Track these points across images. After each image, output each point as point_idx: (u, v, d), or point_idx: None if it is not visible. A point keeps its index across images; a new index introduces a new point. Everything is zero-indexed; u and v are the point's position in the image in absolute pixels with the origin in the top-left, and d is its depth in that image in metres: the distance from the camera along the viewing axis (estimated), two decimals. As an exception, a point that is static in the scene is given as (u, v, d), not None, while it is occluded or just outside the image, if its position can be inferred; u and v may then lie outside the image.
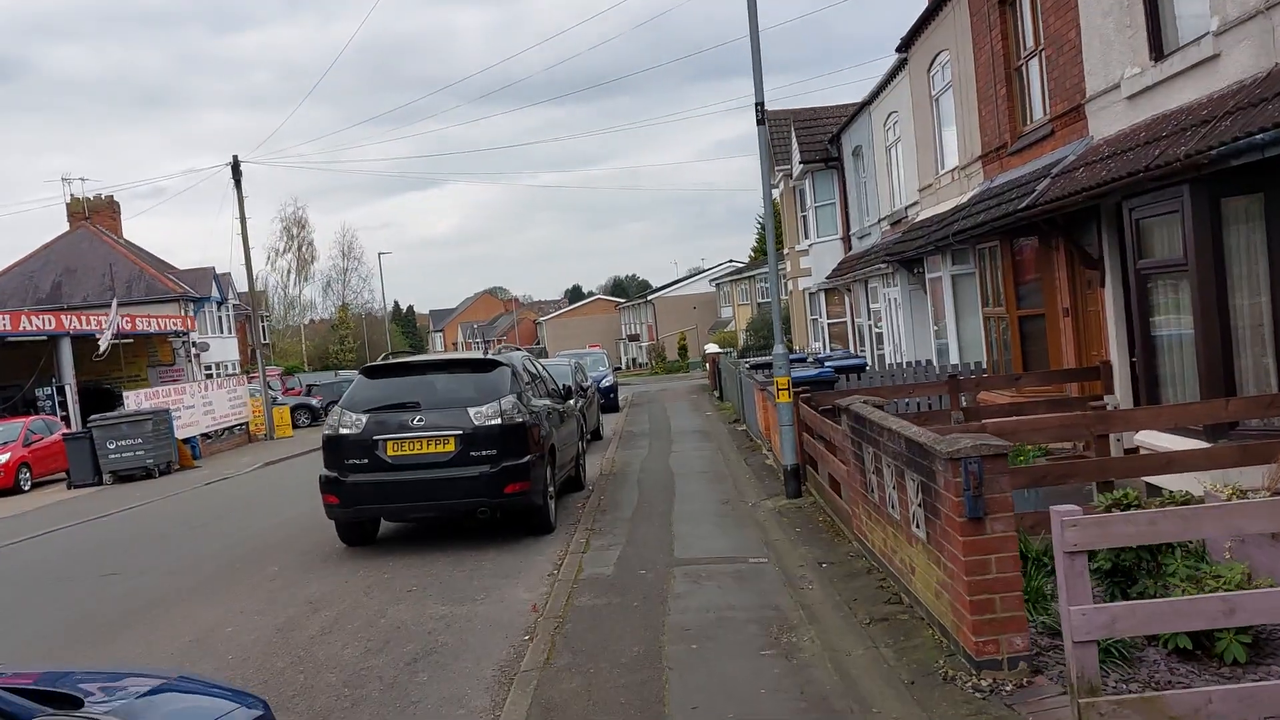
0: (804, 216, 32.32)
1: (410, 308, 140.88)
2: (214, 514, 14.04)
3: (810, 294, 32.59)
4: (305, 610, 7.65)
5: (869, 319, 23.72)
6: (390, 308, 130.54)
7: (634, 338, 79.93)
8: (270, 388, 41.61)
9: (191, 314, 43.24)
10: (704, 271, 73.74)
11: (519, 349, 11.98)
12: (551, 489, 10.20)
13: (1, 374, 32.39)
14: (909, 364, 16.95)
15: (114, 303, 22.86)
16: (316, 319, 70.06)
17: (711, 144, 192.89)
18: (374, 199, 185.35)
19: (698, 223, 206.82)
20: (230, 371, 49.31)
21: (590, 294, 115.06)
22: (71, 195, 46.94)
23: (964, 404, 12.08)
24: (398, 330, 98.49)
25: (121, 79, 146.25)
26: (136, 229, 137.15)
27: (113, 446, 21.65)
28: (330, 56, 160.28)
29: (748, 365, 21.57)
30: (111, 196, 48.02)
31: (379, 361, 10.55)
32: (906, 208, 19.70)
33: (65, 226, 46.55)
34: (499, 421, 9.31)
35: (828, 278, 27.30)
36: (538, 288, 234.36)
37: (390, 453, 9.29)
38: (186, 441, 26.09)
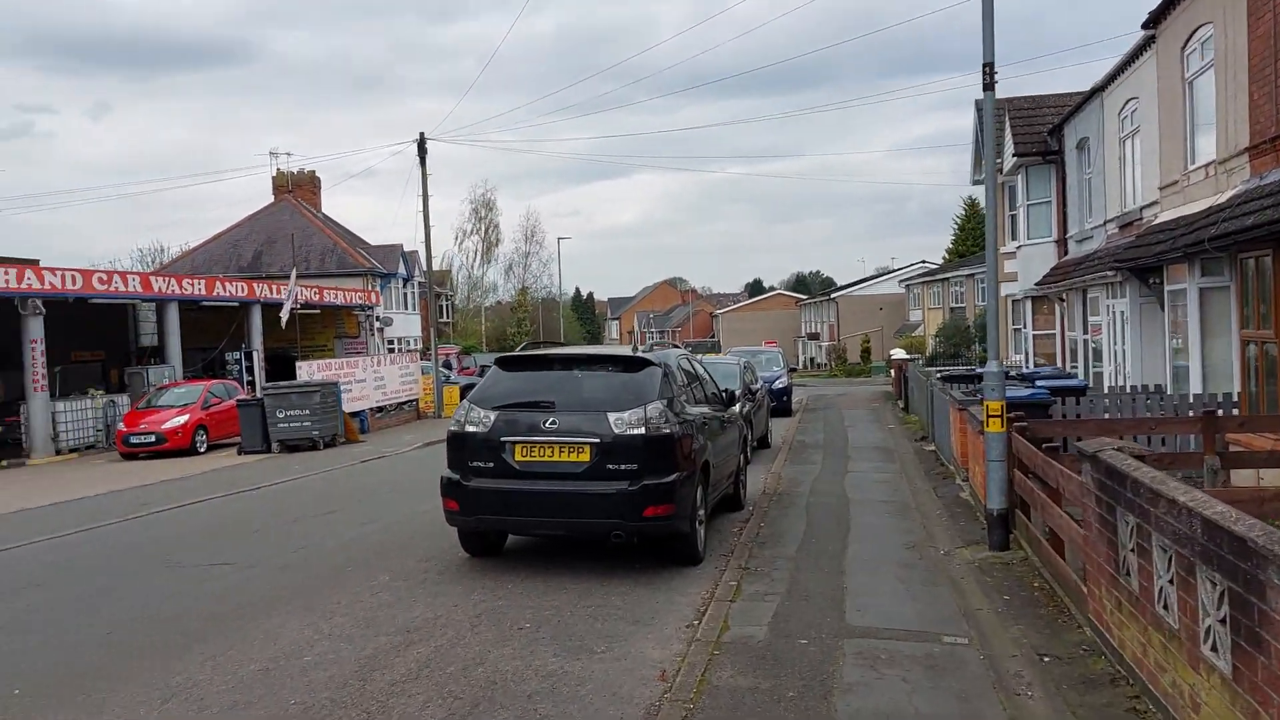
0: (1013, 216, 29.31)
1: (590, 294, 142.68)
2: (356, 496, 13.36)
3: (1015, 301, 29.60)
4: (399, 642, 6.47)
5: (1084, 333, 20.88)
6: (570, 293, 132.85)
7: (813, 336, 77.20)
8: (447, 366, 42.19)
9: (377, 289, 44.40)
10: (893, 271, 70.19)
11: (676, 345, 10.53)
12: (702, 512, 8.70)
13: (197, 336, 33.91)
14: (1134, 389, 14.40)
15: (293, 274, 23.10)
16: (499, 301, 71.30)
17: (908, 139, 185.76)
18: (563, 187, 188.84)
19: (888, 222, 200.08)
20: (411, 347, 50.53)
21: (771, 289, 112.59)
22: (278, 169, 49.15)
23: (1220, 448, 9.76)
24: (574, 316, 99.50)
25: (339, 64, 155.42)
26: (340, 206, 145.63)
27: (281, 416, 21.78)
28: (531, 46, 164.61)
29: (939, 376, 19.34)
30: (313, 172, 50.01)
31: (517, 351, 9.32)
32: (1142, 209, 16.95)
33: (271, 199, 48.82)
34: (642, 431, 7.88)
35: (1037, 284, 24.45)
36: (718, 280, 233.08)
37: (518, 458, 8.03)
38: (355, 415, 26.25)
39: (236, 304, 30.92)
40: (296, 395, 21.84)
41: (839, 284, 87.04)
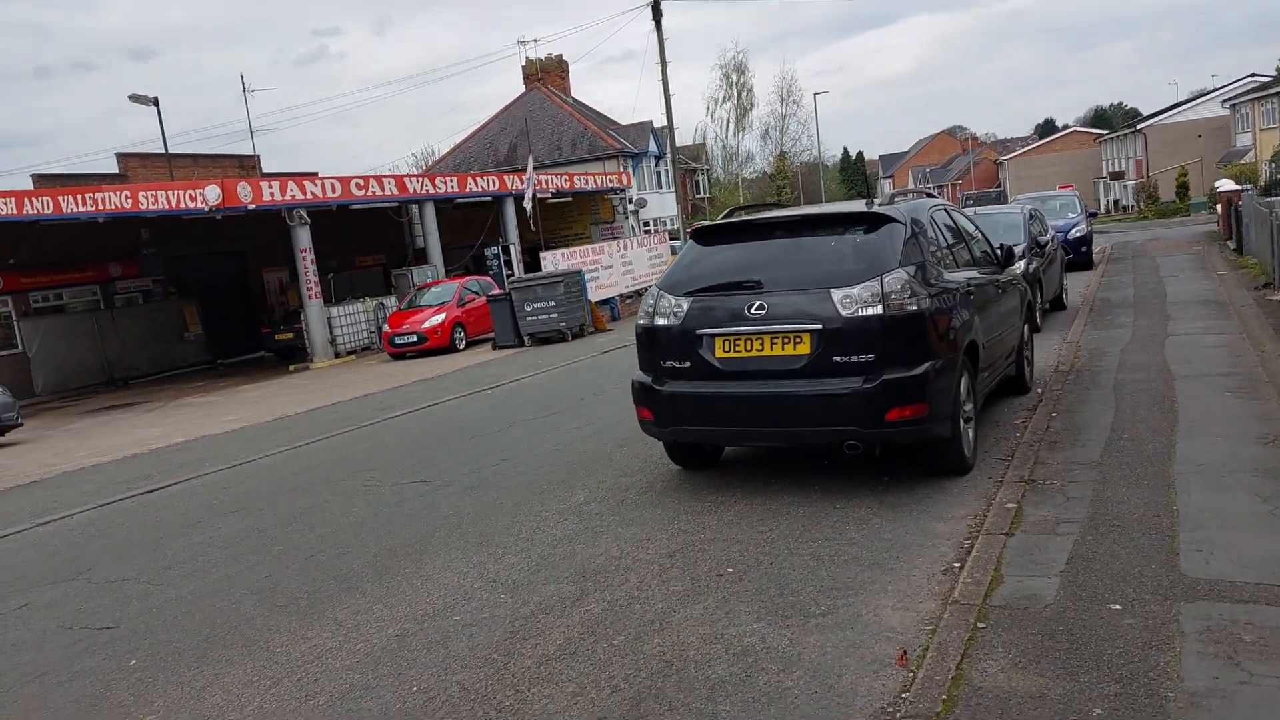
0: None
1: (860, 154, 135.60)
2: (581, 393, 12.37)
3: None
4: (569, 593, 5.20)
5: None
6: (839, 154, 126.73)
7: (1117, 176, 68.34)
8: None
9: (628, 170, 43.60)
10: (1213, 92, 59.90)
11: (931, 193, 8.30)
12: (969, 407, 6.70)
13: (460, 234, 34.74)
14: None
15: (530, 162, 22.40)
16: (757, 171, 68.68)
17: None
18: (825, 43, 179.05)
19: (1200, 37, 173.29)
20: (669, 226, 49.68)
21: (1064, 128, 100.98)
22: (526, 58, 49.05)
23: None
24: (838, 178, 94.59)
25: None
26: (601, 92, 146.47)
27: (529, 309, 21.44)
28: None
29: (1289, 206, 15.37)
30: (560, 57, 49.50)
31: (718, 220, 7.53)
32: None
33: (521, 90, 48.99)
34: (879, 311, 5.98)
35: None
36: (1003, 125, 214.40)
37: (719, 354, 6.41)
38: (605, 303, 25.65)
39: (489, 199, 31.09)
40: (541, 287, 21.36)
41: (1145, 114, 76.08)
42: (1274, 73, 54.17)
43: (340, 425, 12.63)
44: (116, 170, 30.18)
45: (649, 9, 27.45)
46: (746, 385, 6.29)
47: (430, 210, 28.35)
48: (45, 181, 27.41)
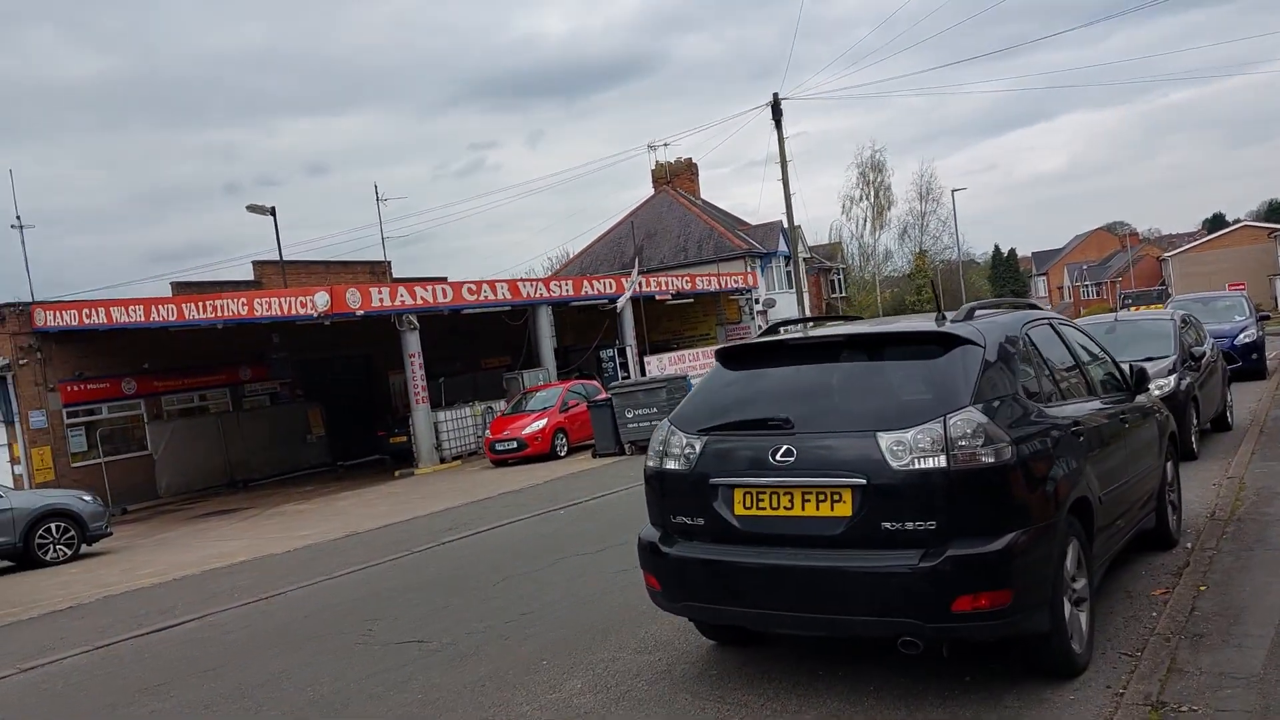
0: None
1: (1011, 251, 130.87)
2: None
3: None
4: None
5: None
6: (989, 251, 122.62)
7: (1296, 271, 62.74)
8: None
9: (755, 270, 42.66)
10: (1407, 177, 54.50)
11: (1036, 304, 6.76)
12: (1080, 584, 5.06)
13: (579, 336, 34.36)
14: None
15: (635, 264, 21.73)
16: (895, 271, 66.53)
17: None
18: (974, 141, 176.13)
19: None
20: (802, 327, 48.16)
21: (1235, 222, 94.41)
22: (656, 162, 49.32)
23: None
24: (983, 275, 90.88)
25: (737, 58, 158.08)
26: (743, 195, 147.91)
27: (630, 415, 20.38)
28: (924, 2, 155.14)
29: None
30: (690, 160, 49.57)
31: (752, 339, 6.17)
32: None
33: (650, 193, 49.17)
34: (941, 463, 4.52)
35: None
36: (1168, 220, 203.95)
37: (738, 510, 5.03)
38: (719, 408, 24.33)
39: (606, 300, 30.62)
40: (643, 393, 20.31)
41: (1327, 203, 70.05)
42: None
43: (394, 549, 11.72)
44: (252, 277, 31.25)
45: (769, 109, 26.77)
46: (771, 554, 4.87)
47: (545, 313, 28.00)
48: (181, 289, 28.53)
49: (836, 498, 4.73)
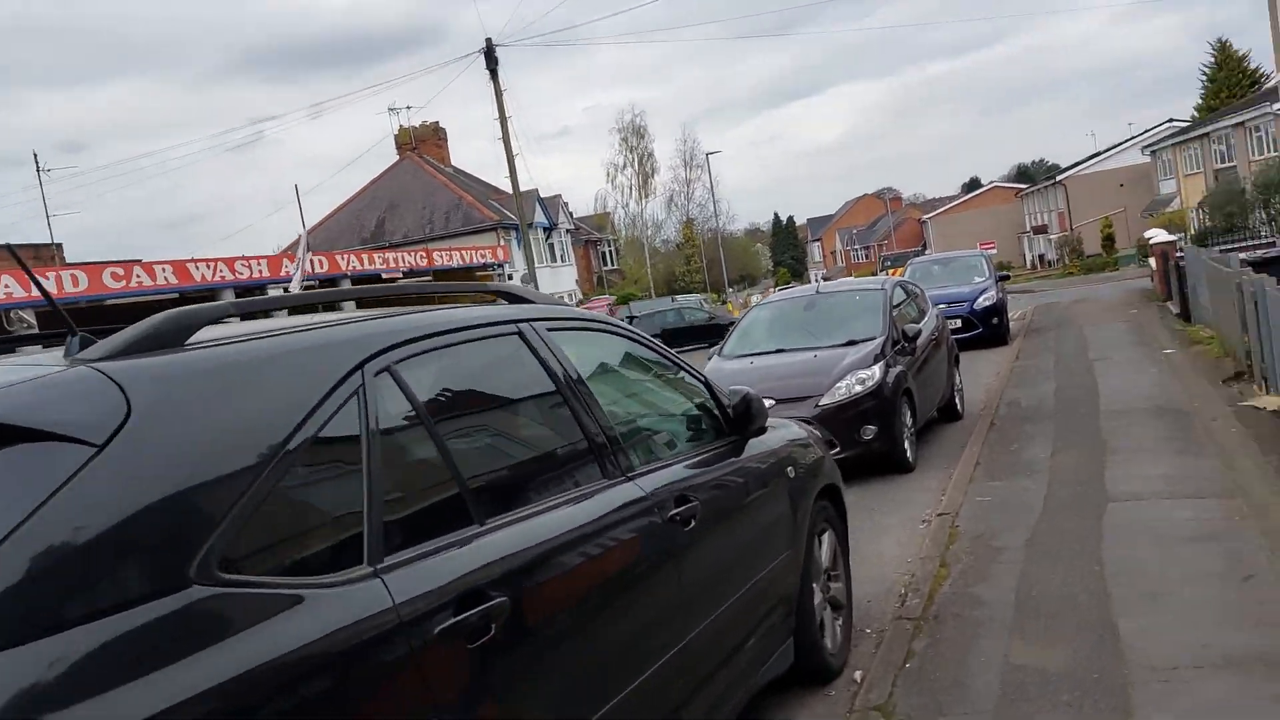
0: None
1: (790, 219, 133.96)
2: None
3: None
4: None
5: None
6: (769, 219, 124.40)
7: (1040, 230, 65.85)
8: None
9: (508, 243, 39.34)
10: (1132, 139, 57.73)
11: (524, 295, 3.73)
12: None
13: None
14: None
15: (302, 237, 18.11)
16: (666, 242, 64.79)
17: (1130, 3, 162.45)
18: (758, 114, 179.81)
19: (1118, 97, 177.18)
20: (566, 302, 45.37)
21: (990, 184, 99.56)
22: (400, 127, 44.83)
23: None
24: (749, 244, 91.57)
25: (523, 26, 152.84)
26: (540, 169, 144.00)
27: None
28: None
29: (1245, 261, 11.44)
30: (436, 124, 45.37)
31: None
32: None
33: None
34: None
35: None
36: (932, 186, 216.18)
37: None
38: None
39: (316, 282, 26.38)
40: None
41: (1065, 166, 74.29)
42: (1189, 119, 52.12)
43: None
44: None
45: (482, 55, 23.33)
46: None
47: (229, 298, 23.47)
48: None
49: None
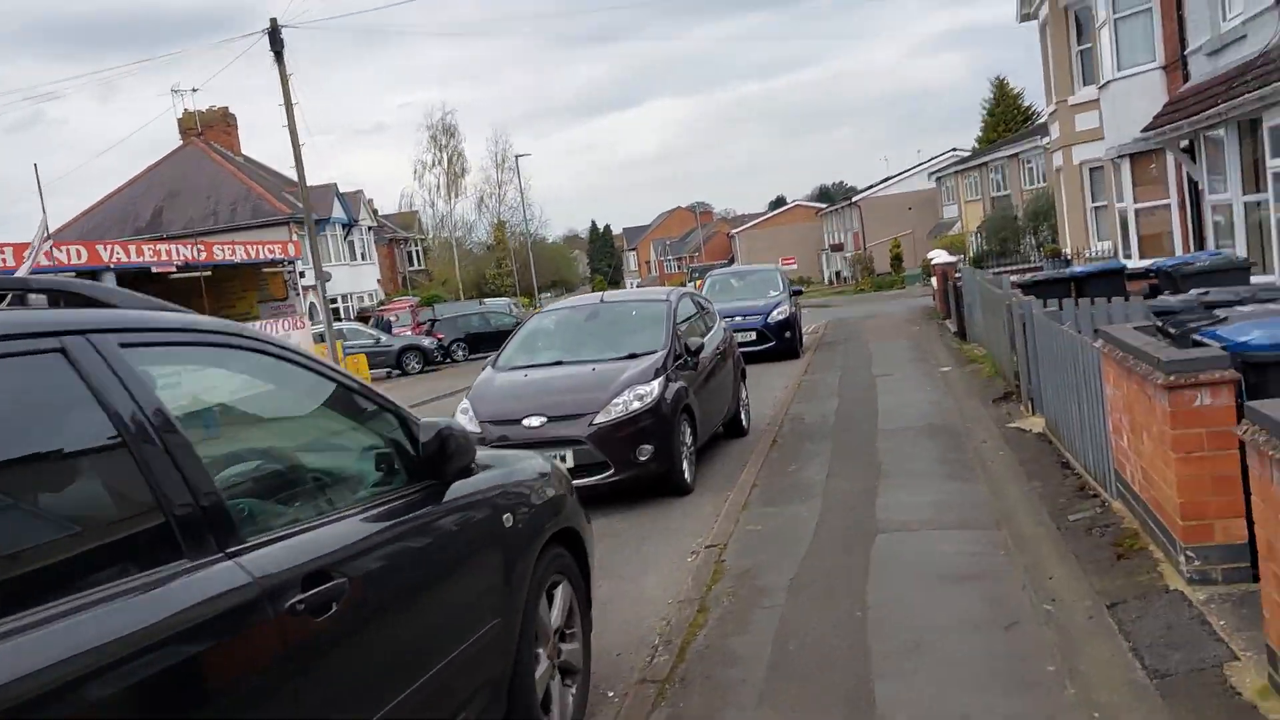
0: (1081, 51, 21.41)
1: (607, 227, 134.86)
2: None
3: (1094, 169, 21.74)
4: None
5: (1252, 192, 12.96)
6: (587, 227, 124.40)
7: (837, 248, 68.91)
8: (381, 326, 34.90)
9: (300, 238, 37.10)
10: (919, 166, 61.33)
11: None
12: None
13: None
14: None
15: (39, 227, 16.09)
16: (477, 244, 63.37)
17: (924, 39, 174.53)
18: (577, 122, 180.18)
19: (910, 125, 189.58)
20: (368, 304, 43.26)
21: (793, 202, 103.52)
22: (184, 110, 41.47)
23: None
24: (565, 250, 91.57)
25: (341, 25, 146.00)
26: (356, 165, 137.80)
27: None
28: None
29: (1016, 284, 11.79)
30: (226, 109, 42.30)
31: None
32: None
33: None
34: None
35: (1142, 134, 16.38)
36: (742, 202, 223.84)
37: None
38: (198, 412, 19.03)
39: (74, 274, 23.72)
40: None
41: (861, 189, 78.28)
42: (970, 149, 55.81)
43: None
44: None
45: (266, 37, 21.60)
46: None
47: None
48: None
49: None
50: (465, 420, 7.90)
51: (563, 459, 7.44)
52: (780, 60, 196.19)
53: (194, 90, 41.01)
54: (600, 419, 7.56)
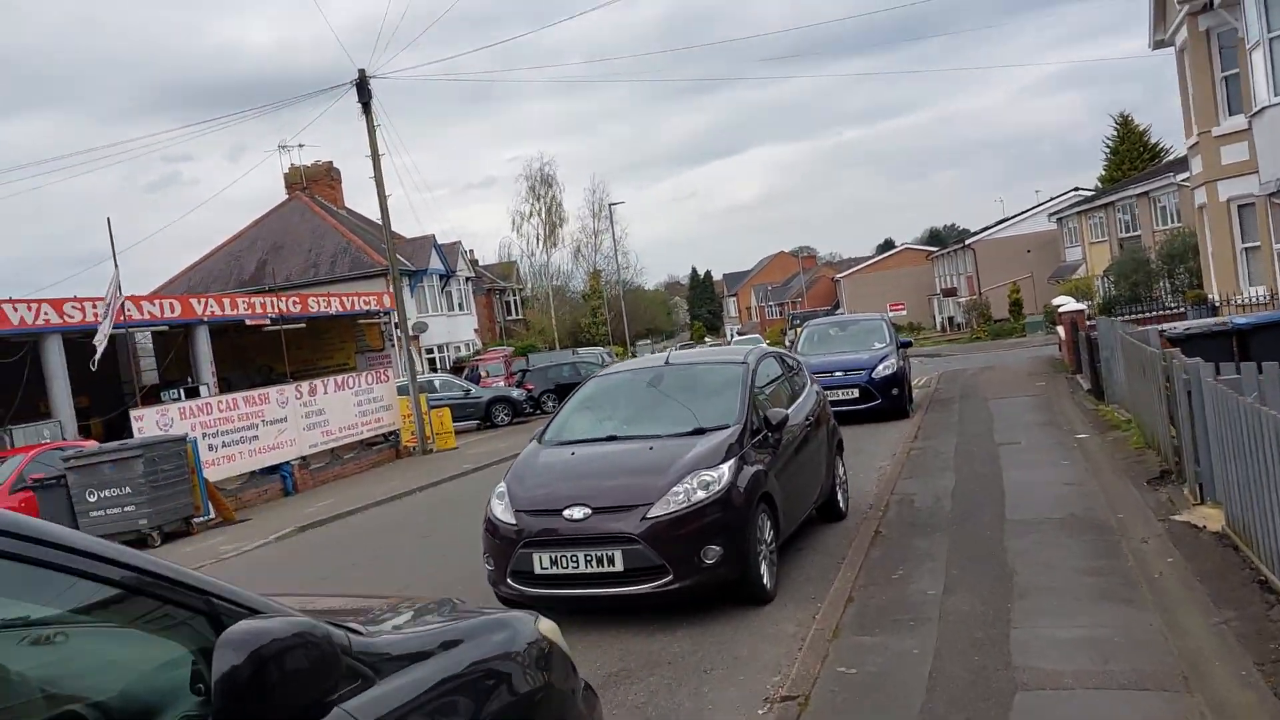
0: (1226, 78, 19.31)
1: (708, 273, 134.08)
2: None
3: (1242, 206, 19.47)
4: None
5: None
6: (687, 273, 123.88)
7: (949, 293, 65.99)
8: (472, 378, 34.27)
9: (391, 291, 37.01)
10: (1039, 206, 58.27)
11: None
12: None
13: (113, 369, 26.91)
14: None
15: (111, 284, 15.65)
16: (574, 293, 62.91)
17: (1037, 78, 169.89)
18: (679, 170, 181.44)
19: (1020, 165, 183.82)
20: (462, 353, 42.95)
21: (902, 245, 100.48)
22: (290, 165, 42.29)
23: None
24: (662, 297, 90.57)
25: (449, 82, 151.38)
26: (464, 218, 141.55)
27: (94, 499, 14.05)
28: (635, 36, 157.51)
29: (1165, 336, 10.01)
30: (330, 164, 42.91)
31: None
32: None
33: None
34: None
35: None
36: (847, 245, 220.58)
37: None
38: (273, 471, 18.44)
39: (165, 327, 23.78)
40: (110, 466, 14.04)
41: (974, 231, 75.17)
42: (1093, 189, 52.71)
43: None
44: None
45: (354, 89, 21.28)
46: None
47: (56, 346, 20.69)
48: None
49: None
50: (500, 509, 6.63)
51: (610, 560, 6.09)
52: (887, 104, 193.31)
53: (300, 146, 41.39)
54: (656, 511, 6.17)
